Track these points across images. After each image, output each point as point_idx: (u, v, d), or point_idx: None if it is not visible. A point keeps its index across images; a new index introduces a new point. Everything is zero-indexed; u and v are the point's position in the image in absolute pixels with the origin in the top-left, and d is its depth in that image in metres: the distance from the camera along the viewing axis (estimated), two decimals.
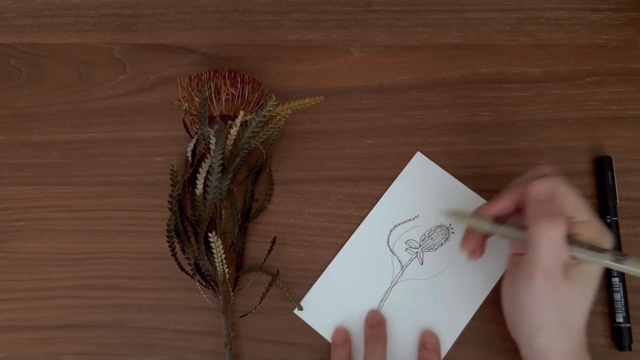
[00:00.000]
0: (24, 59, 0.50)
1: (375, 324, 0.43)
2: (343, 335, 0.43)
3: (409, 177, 0.46)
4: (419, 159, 0.47)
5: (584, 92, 0.48)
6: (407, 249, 0.45)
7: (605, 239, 0.35)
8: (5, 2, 0.51)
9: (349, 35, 0.50)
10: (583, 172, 0.46)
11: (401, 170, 0.47)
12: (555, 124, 0.47)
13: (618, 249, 0.44)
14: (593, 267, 0.35)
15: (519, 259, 0.37)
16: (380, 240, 0.45)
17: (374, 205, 0.46)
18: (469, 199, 0.46)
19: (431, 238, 0.45)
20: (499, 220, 0.38)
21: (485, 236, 0.41)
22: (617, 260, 0.33)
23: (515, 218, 0.38)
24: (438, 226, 0.45)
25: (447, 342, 0.43)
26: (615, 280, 0.43)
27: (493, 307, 0.43)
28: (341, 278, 0.45)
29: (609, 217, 0.44)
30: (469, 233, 0.41)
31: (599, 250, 0.34)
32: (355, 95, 0.48)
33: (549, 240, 0.34)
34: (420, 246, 0.45)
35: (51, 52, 0.50)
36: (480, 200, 0.46)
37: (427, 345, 0.43)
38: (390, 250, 0.45)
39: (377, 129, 0.48)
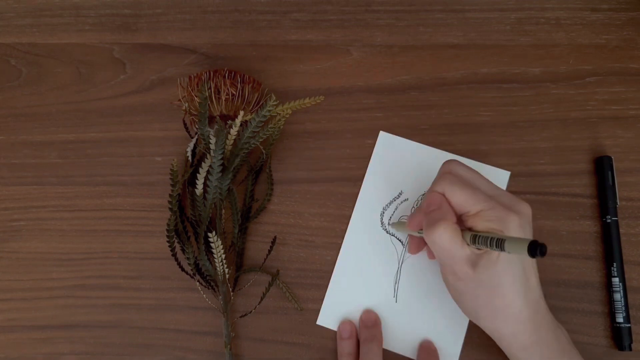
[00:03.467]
0: (24, 59, 0.50)
1: (371, 324, 0.43)
2: (349, 328, 0.43)
3: (381, 158, 0.47)
4: (383, 137, 0.47)
5: (584, 92, 0.48)
6: None
7: (506, 223, 0.35)
8: (5, 2, 0.51)
9: (349, 35, 0.50)
10: (583, 172, 0.46)
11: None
12: (555, 124, 0.47)
13: (616, 248, 0.44)
14: (502, 252, 0.35)
15: None
16: (374, 226, 0.46)
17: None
18: (440, 158, 0.46)
19: None
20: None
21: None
22: (498, 246, 0.32)
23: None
24: (423, 194, 0.46)
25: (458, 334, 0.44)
26: (615, 280, 0.43)
27: None
28: (350, 276, 0.45)
29: (609, 217, 0.44)
30: (411, 239, 0.43)
31: (489, 238, 0.33)
32: (355, 95, 0.48)
33: (437, 244, 0.35)
34: None
35: (51, 52, 0.50)
36: (448, 156, 0.46)
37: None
38: (387, 232, 0.45)
39: (377, 129, 0.48)
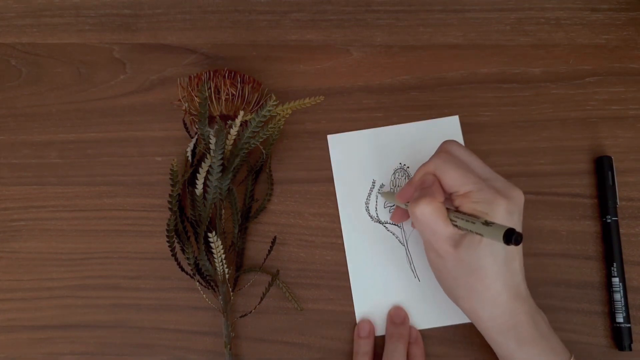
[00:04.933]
0: (24, 59, 0.50)
1: (400, 322, 0.43)
2: (368, 327, 0.43)
3: (340, 159, 0.47)
4: (333, 139, 0.47)
5: (584, 92, 0.48)
6: (389, 209, 0.46)
7: (493, 206, 0.35)
8: (5, 2, 0.51)
9: (349, 35, 0.50)
10: (583, 172, 0.46)
11: None
12: (555, 124, 0.47)
13: (616, 248, 0.44)
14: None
15: None
16: (365, 222, 0.46)
17: None
18: (391, 134, 0.47)
19: (398, 186, 0.46)
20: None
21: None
22: (482, 229, 0.32)
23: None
24: (394, 172, 0.46)
25: None
26: (615, 280, 0.43)
27: None
28: (366, 277, 0.45)
29: (609, 217, 0.44)
30: (397, 209, 0.44)
31: (471, 220, 0.33)
32: (355, 95, 0.48)
33: (419, 220, 0.36)
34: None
35: (51, 52, 0.50)
36: (400, 130, 0.47)
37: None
38: (380, 222, 0.46)
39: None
